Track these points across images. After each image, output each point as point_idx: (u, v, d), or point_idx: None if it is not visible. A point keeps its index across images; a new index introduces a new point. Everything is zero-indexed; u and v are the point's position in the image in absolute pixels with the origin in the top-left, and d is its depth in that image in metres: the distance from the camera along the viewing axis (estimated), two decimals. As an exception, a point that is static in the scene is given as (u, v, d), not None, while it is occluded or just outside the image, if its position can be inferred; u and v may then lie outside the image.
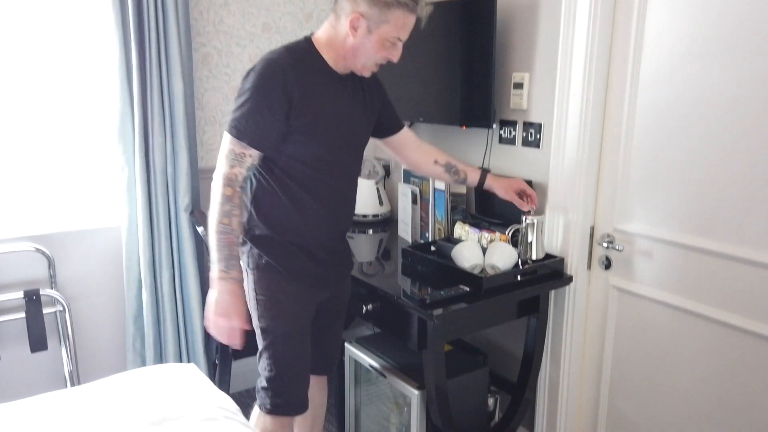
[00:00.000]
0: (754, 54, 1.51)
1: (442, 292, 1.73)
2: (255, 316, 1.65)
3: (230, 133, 1.50)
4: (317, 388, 1.94)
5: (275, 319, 1.63)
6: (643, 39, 1.76)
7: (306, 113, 1.53)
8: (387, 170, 2.85)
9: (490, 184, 1.92)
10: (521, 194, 1.92)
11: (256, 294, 1.64)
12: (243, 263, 1.67)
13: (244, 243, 1.65)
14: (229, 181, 1.50)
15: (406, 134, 1.88)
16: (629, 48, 1.79)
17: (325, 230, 1.67)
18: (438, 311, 1.64)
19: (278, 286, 1.62)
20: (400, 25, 1.52)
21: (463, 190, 2.32)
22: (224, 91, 2.52)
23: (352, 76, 1.63)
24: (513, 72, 2.11)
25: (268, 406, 1.67)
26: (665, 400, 1.84)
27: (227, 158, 1.51)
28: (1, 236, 2.11)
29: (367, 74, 1.62)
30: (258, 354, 1.68)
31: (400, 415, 2.20)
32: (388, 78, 2.49)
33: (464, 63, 2.18)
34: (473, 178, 1.93)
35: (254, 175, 1.62)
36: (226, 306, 1.54)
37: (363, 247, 2.49)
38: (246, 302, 1.61)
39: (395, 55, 1.57)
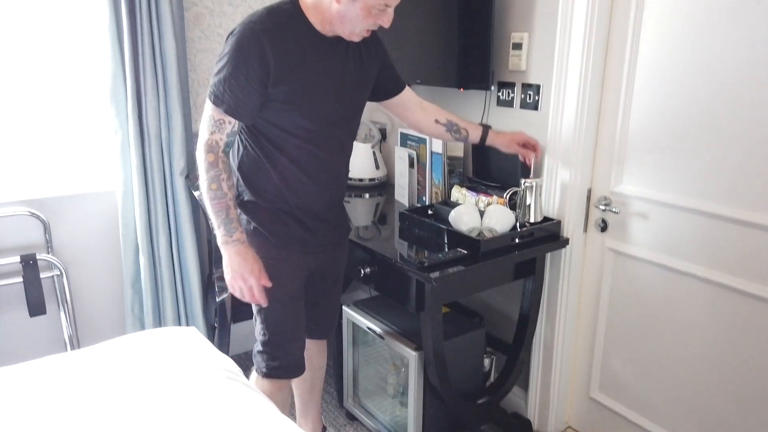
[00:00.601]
0: (757, 18, 1.49)
1: (440, 255, 1.74)
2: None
3: (209, 98, 1.47)
4: (316, 352, 1.96)
5: (268, 287, 1.61)
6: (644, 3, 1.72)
7: (286, 81, 1.46)
8: (383, 134, 2.82)
9: (492, 140, 1.91)
10: (525, 145, 1.92)
11: None
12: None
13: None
14: (210, 148, 1.48)
15: (407, 95, 1.83)
16: (631, 6, 1.76)
17: (315, 201, 1.64)
18: (436, 274, 1.65)
19: (267, 252, 1.61)
20: None
21: (460, 153, 2.31)
22: (217, 52, 2.46)
23: (340, 37, 1.53)
24: (512, 32, 2.07)
25: (264, 370, 1.70)
26: (658, 359, 1.88)
27: (207, 124, 1.49)
28: (-5, 201, 2.10)
29: (356, 39, 1.53)
30: (254, 319, 1.70)
31: (398, 375, 2.24)
32: (385, 38, 2.45)
33: (462, 23, 2.14)
34: (475, 135, 1.91)
35: (240, 141, 1.59)
36: (238, 267, 1.54)
37: (359, 211, 2.48)
38: (258, 258, 1.58)
39: (386, 21, 1.49)
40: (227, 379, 1.33)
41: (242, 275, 1.54)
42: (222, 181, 1.50)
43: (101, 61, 2.07)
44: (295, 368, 1.73)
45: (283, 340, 1.69)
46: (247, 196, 1.61)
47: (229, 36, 1.47)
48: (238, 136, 1.59)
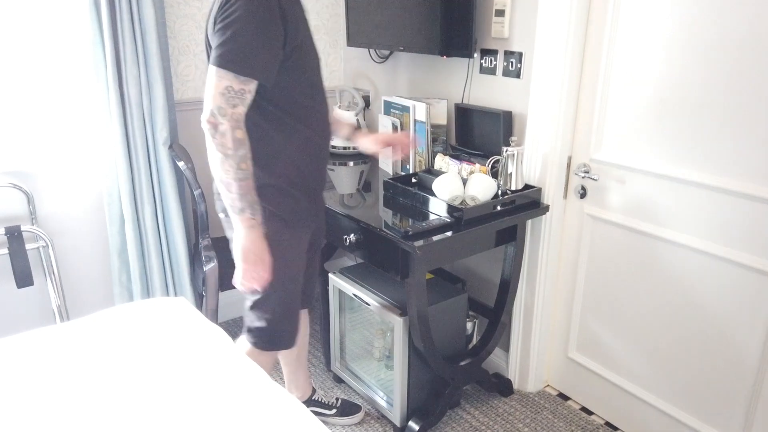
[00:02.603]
0: (737, -18, 1.50)
1: (423, 224, 1.78)
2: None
3: (225, 67, 1.34)
4: (303, 321, 2.01)
5: (279, 267, 1.59)
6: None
7: (297, 37, 1.43)
8: (367, 101, 2.81)
9: (355, 139, 1.91)
10: (392, 144, 1.92)
11: None
12: (231, 214, 1.63)
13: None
14: (236, 123, 1.37)
15: None
16: (613, -26, 1.77)
17: (316, 163, 1.63)
18: (420, 242, 1.69)
19: (282, 235, 1.59)
20: None
21: (443, 121, 2.32)
22: (197, 18, 2.42)
23: None
24: (495, -1, 2.06)
25: (266, 344, 1.70)
26: (632, 320, 1.96)
27: (226, 97, 1.35)
28: (-25, 173, 2.08)
29: None
30: (254, 301, 1.66)
31: (384, 339, 2.31)
32: (371, 6, 2.43)
33: (445, -11, 2.13)
34: (344, 133, 1.90)
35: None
36: (262, 252, 1.49)
37: (344, 179, 2.50)
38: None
39: None
40: (218, 350, 1.37)
41: (264, 260, 1.51)
42: (248, 160, 1.41)
43: (80, 29, 2.03)
44: (294, 341, 1.76)
45: (288, 316, 1.71)
46: (258, 180, 1.50)
47: (231, 5, 1.35)
48: None
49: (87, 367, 1.29)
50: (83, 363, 1.30)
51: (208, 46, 1.46)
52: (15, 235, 2.11)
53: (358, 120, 2.69)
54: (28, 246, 2.15)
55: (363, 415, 2.18)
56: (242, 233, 1.47)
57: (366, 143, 1.91)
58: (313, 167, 1.62)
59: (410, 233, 1.72)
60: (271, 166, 1.53)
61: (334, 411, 2.13)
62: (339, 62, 2.93)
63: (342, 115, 1.85)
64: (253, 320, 1.70)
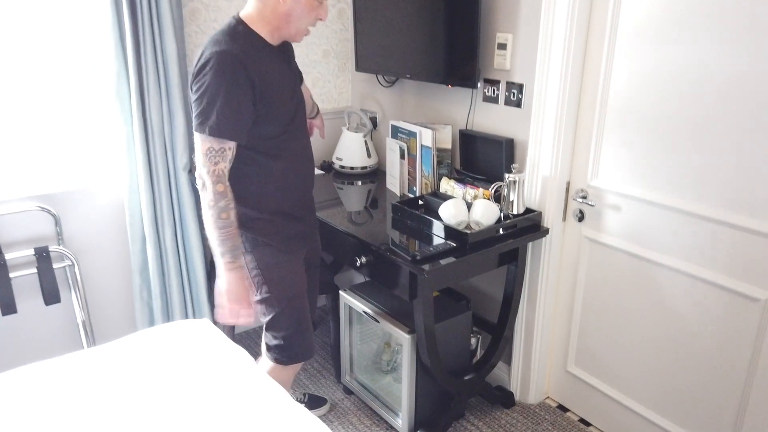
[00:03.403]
0: (729, 24, 1.62)
1: (431, 248, 1.89)
2: (262, 289, 1.78)
3: (204, 132, 1.52)
4: None
5: (282, 289, 1.78)
6: (620, 3, 1.84)
7: (267, 93, 1.59)
8: (374, 123, 2.94)
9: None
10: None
11: (260, 271, 1.76)
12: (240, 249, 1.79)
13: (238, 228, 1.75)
14: (218, 178, 1.56)
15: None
16: (608, 12, 1.88)
17: (304, 190, 1.81)
18: (428, 266, 1.81)
19: (277, 260, 1.76)
20: None
21: (448, 145, 2.44)
22: (213, 47, 2.54)
23: (282, 44, 1.70)
24: (497, 32, 2.18)
25: (287, 359, 1.85)
26: (628, 337, 2.07)
27: (208, 156, 1.54)
28: (7, 197, 2.19)
29: (299, 40, 1.70)
30: (268, 321, 1.82)
31: (391, 353, 2.43)
32: (379, 35, 2.55)
33: (450, 23, 2.24)
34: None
35: None
36: (241, 293, 1.67)
37: (352, 198, 2.62)
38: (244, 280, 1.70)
39: (323, 14, 1.67)
40: (242, 370, 1.49)
41: (242, 299, 1.68)
42: (231, 210, 1.60)
43: (105, 60, 2.15)
44: (312, 351, 1.92)
45: (302, 331, 1.86)
46: (246, 216, 1.69)
47: (203, 68, 1.52)
48: None
49: (121, 391, 1.40)
50: (117, 386, 1.42)
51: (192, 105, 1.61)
52: (43, 255, 2.23)
53: (366, 141, 2.81)
54: (55, 265, 2.27)
55: (328, 408, 2.38)
56: (223, 276, 1.65)
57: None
58: (295, 196, 1.78)
59: (418, 257, 1.84)
60: (256, 203, 1.70)
61: (303, 405, 2.25)
62: (347, 84, 3.05)
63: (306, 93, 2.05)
64: (270, 339, 1.85)
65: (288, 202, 1.76)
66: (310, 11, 1.63)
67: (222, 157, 1.56)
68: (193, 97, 1.57)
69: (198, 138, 1.56)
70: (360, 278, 3.06)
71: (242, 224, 1.69)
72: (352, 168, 2.82)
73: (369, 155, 2.85)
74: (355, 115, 2.95)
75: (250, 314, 1.73)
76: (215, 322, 1.85)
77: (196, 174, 1.60)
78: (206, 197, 1.59)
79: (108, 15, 2.08)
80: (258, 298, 1.79)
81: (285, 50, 1.74)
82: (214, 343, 1.61)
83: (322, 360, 2.74)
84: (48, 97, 2.22)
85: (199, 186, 1.61)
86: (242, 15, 1.64)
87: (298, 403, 1.38)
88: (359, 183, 2.77)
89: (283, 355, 1.85)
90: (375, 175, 2.85)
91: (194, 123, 1.56)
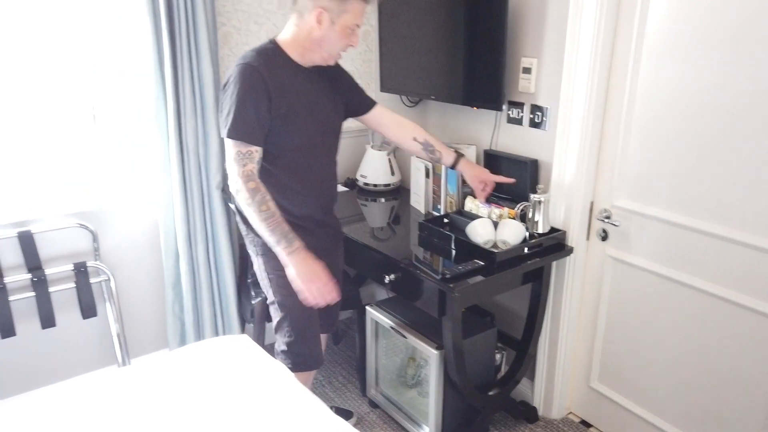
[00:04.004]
0: (750, 47, 1.67)
1: (460, 267, 1.95)
2: (270, 292, 1.90)
3: (230, 137, 1.67)
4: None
5: (287, 294, 1.85)
6: (645, 28, 1.89)
7: (283, 105, 1.71)
8: (397, 141, 3.00)
9: (462, 168, 2.16)
10: (484, 182, 2.17)
11: (267, 274, 1.87)
12: (251, 248, 1.90)
13: (248, 233, 1.87)
14: (248, 178, 1.68)
15: (381, 112, 2.08)
16: (632, 37, 1.93)
17: (313, 206, 1.89)
18: (457, 285, 1.86)
19: (282, 266, 1.81)
20: (358, 13, 1.72)
21: (472, 165, 2.50)
22: (244, 68, 2.63)
23: (316, 68, 1.82)
24: (522, 57, 2.25)
25: (291, 366, 1.92)
26: (651, 354, 2.11)
27: (236, 160, 1.68)
28: (49, 214, 2.28)
29: (332, 63, 1.82)
30: (275, 324, 1.93)
31: (415, 368, 2.48)
32: (404, 57, 2.62)
33: (476, 47, 2.31)
34: (448, 159, 2.15)
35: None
36: (310, 271, 1.74)
37: (376, 214, 2.69)
38: (317, 259, 1.78)
39: (355, 41, 1.77)
40: (282, 384, 1.55)
41: (315, 276, 1.75)
42: (269, 202, 1.71)
43: (145, 84, 2.24)
44: (318, 360, 1.99)
45: (306, 338, 1.93)
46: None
47: (228, 81, 1.69)
48: None
49: (169, 404, 1.47)
50: (165, 400, 1.48)
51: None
52: (81, 270, 2.32)
53: (389, 159, 2.88)
54: (92, 280, 2.35)
55: (355, 421, 2.41)
56: (287, 261, 1.73)
57: (469, 175, 2.17)
58: (307, 210, 1.87)
59: (448, 276, 1.90)
60: None
61: None
62: (371, 104, 3.13)
63: (444, 145, 2.15)
64: (279, 344, 1.95)
65: (297, 214, 1.84)
66: (343, 38, 1.74)
67: (249, 159, 1.69)
68: (220, 104, 1.71)
69: (227, 143, 1.70)
70: (382, 292, 3.11)
71: (250, 227, 1.81)
72: (375, 185, 2.89)
73: (392, 173, 2.92)
74: (379, 134, 3.01)
75: (332, 290, 1.79)
76: (256, 338, 1.91)
77: (229, 181, 1.71)
78: (242, 197, 1.69)
79: (149, 42, 2.17)
80: (269, 300, 1.91)
81: (321, 74, 1.83)
82: (254, 358, 1.67)
83: (346, 374, 2.79)
84: (89, 119, 2.31)
85: (234, 191, 1.71)
86: (277, 38, 1.77)
87: (338, 416, 1.44)
88: (382, 200, 2.84)
89: (287, 361, 1.92)
90: (398, 192, 2.92)
91: (221, 129, 1.69)
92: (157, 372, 1.60)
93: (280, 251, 1.73)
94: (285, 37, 1.76)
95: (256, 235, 1.82)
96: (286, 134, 1.75)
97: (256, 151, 1.70)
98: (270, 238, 1.72)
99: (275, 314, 1.92)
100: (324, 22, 1.68)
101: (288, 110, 1.72)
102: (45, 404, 1.48)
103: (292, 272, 1.74)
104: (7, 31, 2.09)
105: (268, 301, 1.92)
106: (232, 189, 1.72)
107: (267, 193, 1.71)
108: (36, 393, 1.54)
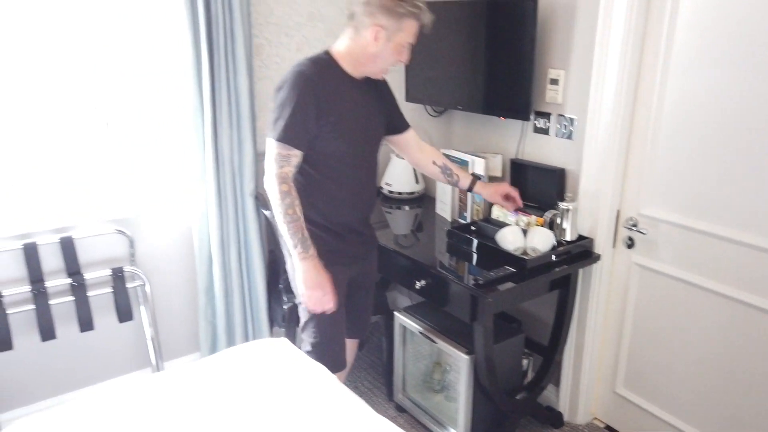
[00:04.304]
0: (774, 70, 1.72)
1: (491, 273, 2.00)
2: (299, 293, 1.93)
3: (274, 138, 1.74)
4: (350, 350, 2.26)
5: None
6: (673, 40, 1.94)
7: (331, 114, 1.78)
8: (421, 149, 3.06)
9: (478, 190, 2.22)
10: (507, 196, 2.21)
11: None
12: (285, 249, 1.96)
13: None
14: (282, 179, 1.75)
15: (411, 135, 2.17)
16: (660, 48, 1.99)
17: (350, 214, 1.95)
18: (490, 291, 1.91)
19: None
20: (412, 32, 1.80)
21: (499, 173, 2.55)
22: (274, 79, 2.69)
23: (366, 80, 1.90)
24: (549, 68, 2.30)
25: None
26: (677, 360, 2.14)
27: (276, 161, 1.75)
28: (89, 221, 2.35)
29: (382, 77, 1.92)
30: (302, 324, 2.00)
31: (442, 373, 2.52)
32: (430, 68, 2.68)
33: (504, 58, 2.36)
34: (464, 182, 2.21)
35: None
36: (316, 279, 1.82)
37: (400, 221, 2.74)
38: (325, 270, 1.85)
39: (406, 58, 1.86)
40: (324, 385, 1.60)
41: (319, 285, 1.82)
42: (296, 207, 1.78)
43: (184, 95, 2.31)
44: (341, 364, 2.05)
45: (331, 341, 2.00)
46: None
47: (282, 85, 1.77)
48: None
49: (217, 404, 1.52)
50: (213, 400, 1.53)
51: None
52: (119, 275, 2.38)
53: (414, 168, 2.93)
54: (128, 285, 2.41)
55: None
56: (298, 266, 1.81)
57: (487, 194, 2.22)
58: (341, 217, 1.93)
59: (480, 282, 1.95)
60: (305, 212, 1.85)
61: None
62: (395, 113, 3.19)
63: (461, 169, 2.23)
64: (305, 344, 2.01)
65: (333, 220, 1.91)
66: (396, 55, 1.82)
67: (287, 162, 1.76)
68: (273, 106, 1.78)
69: (269, 143, 1.77)
70: (404, 299, 3.16)
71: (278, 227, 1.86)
72: (400, 193, 2.95)
73: (417, 181, 2.97)
74: (402, 155, 3.06)
75: (331, 300, 1.86)
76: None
77: (265, 177, 1.79)
78: (274, 197, 1.77)
79: (188, 55, 2.24)
80: (297, 300, 1.96)
81: (370, 86, 1.91)
82: (295, 360, 1.72)
83: (372, 378, 2.84)
84: (129, 130, 2.39)
85: (267, 188, 1.78)
86: (331, 49, 1.84)
87: (381, 416, 1.49)
88: (407, 208, 2.89)
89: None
90: (422, 200, 2.97)
91: (268, 131, 1.77)
92: (204, 374, 1.65)
93: (295, 254, 1.80)
94: (339, 48, 1.83)
95: None
96: (333, 141, 1.82)
97: (296, 156, 1.77)
98: (289, 240, 1.79)
99: (303, 314, 1.98)
100: (380, 39, 1.76)
101: (337, 119, 1.79)
102: (104, 405, 1.53)
103: (300, 276, 1.82)
104: (56, 43, 2.17)
105: (297, 301, 1.98)
106: (265, 186, 1.79)
107: (296, 198, 1.78)
108: (85, 393, 1.60)
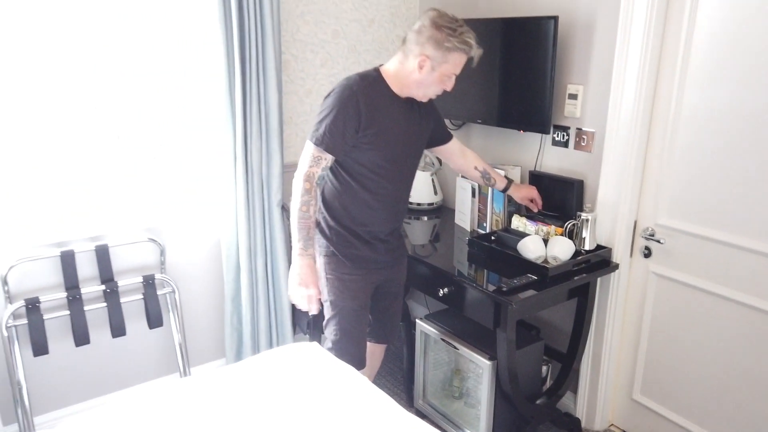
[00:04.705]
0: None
1: (515, 281, 2.06)
2: (325, 291, 2.05)
3: (311, 141, 1.86)
4: (377, 354, 2.34)
5: (340, 295, 2.03)
6: (690, 55, 2.02)
7: (372, 127, 1.88)
8: (440, 161, 3.14)
9: (512, 191, 2.41)
10: (532, 200, 2.44)
11: (326, 274, 2.04)
12: (317, 249, 2.06)
13: (316, 234, 2.02)
14: (307, 177, 1.86)
15: (453, 144, 2.30)
16: (677, 63, 2.07)
17: (381, 224, 2.05)
18: (515, 297, 1.98)
19: (342, 269, 2.02)
20: (458, 64, 1.90)
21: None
22: (299, 93, 2.79)
23: (411, 99, 1.99)
24: (568, 84, 2.39)
25: None
26: (694, 367, 2.20)
27: (307, 160, 1.86)
28: (122, 229, 2.43)
29: (425, 100, 2.01)
30: (325, 322, 2.09)
31: (460, 379, 2.57)
32: (455, 83, 2.76)
33: (524, 74, 2.45)
34: (500, 185, 2.41)
35: (325, 178, 1.97)
36: (305, 277, 1.92)
37: (418, 231, 2.82)
38: (317, 275, 1.97)
39: (449, 87, 1.96)
40: (358, 385, 1.66)
41: (306, 283, 1.93)
42: (311, 206, 1.89)
43: (216, 109, 2.40)
44: (359, 363, 2.11)
45: (351, 340, 2.08)
46: (326, 224, 2.01)
47: (330, 93, 1.88)
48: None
49: (256, 405, 1.58)
50: (251, 401, 1.60)
51: None
52: (150, 283, 2.45)
53: (432, 179, 3.01)
54: (158, 292, 2.48)
55: None
56: (295, 260, 1.92)
57: (519, 196, 2.44)
58: (372, 225, 2.03)
59: (504, 289, 2.01)
60: (338, 217, 1.99)
61: None
62: (413, 126, 3.28)
63: (497, 172, 2.43)
64: (326, 341, 2.10)
65: (364, 228, 2.01)
66: (440, 84, 1.92)
67: (317, 163, 1.87)
68: (317, 112, 1.91)
69: (307, 145, 1.88)
70: (420, 308, 3.22)
71: (321, 230, 2.01)
72: (419, 204, 3.02)
73: (435, 192, 3.05)
74: (447, 162, 3.14)
75: (313, 299, 1.96)
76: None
77: (295, 173, 1.89)
78: (296, 191, 1.88)
79: (221, 70, 2.34)
80: (323, 298, 2.06)
81: (413, 105, 2.00)
82: (326, 363, 1.78)
83: (391, 385, 2.89)
84: (162, 145, 2.48)
85: (294, 184, 1.89)
86: (382, 68, 1.95)
87: (413, 415, 1.55)
88: (425, 218, 2.97)
89: None
90: (440, 211, 3.04)
91: (309, 133, 1.88)
92: (242, 378, 1.72)
93: (295, 248, 1.91)
94: (388, 68, 1.93)
95: (324, 237, 2.00)
96: (370, 152, 1.91)
97: (327, 160, 1.87)
98: (295, 234, 1.90)
99: (327, 312, 2.07)
100: (425, 69, 1.85)
101: (377, 132, 1.88)
102: (145, 407, 1.60)
103: (293, 270, 1.93)
104: (97, 59, 2.27)
105: (322, 299, 2.07)
106: (293, 181, 1.90)
107: (314, 199, 1.89)
108: (115, 397, 1.65)
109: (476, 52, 1.89)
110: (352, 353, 2.07)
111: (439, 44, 1.82)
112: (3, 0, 2.05)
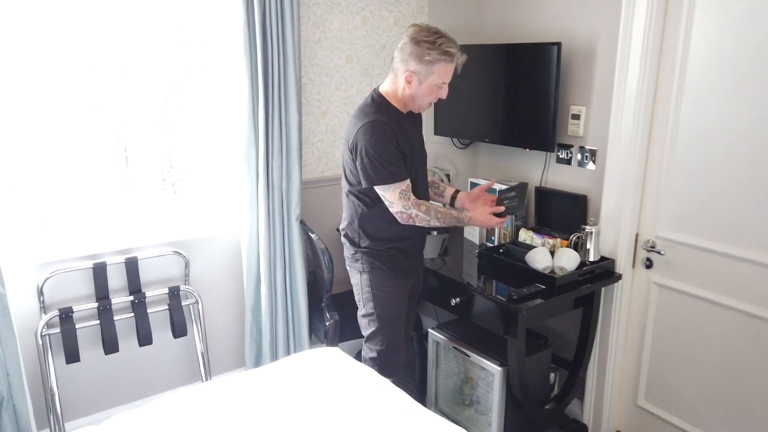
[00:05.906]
0: (776, 107, 1.94)
1: (524, 290, 2.19)
2: (370, 305, 2.15)
3: (389, 182, 1.98)
4: None
5: (386, 306, 2.15)
6: (685, 75, 2.16)
7: (404, 147, 2.03)
8: (448, 177, 3.28)
9: (460, 199, 2.40)
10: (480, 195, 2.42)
11: (371, 289, 2.15)
12: (357, 267, 2.17)
13: (356, 252, 2.15)
14: (417, 204, 2.03)
15: None
16: (673, 83, 2.20)
17: (415, 235, 2.19)
18: (525, 305, 2.10)
19: (386, 282, 2.14)
20: (443, 73, 2.02)
21: (524, 201, 2.76)
22: (315, 114, 2.94)
23: (410, 112, 2.13)
24: (571, 105, 2.53)
25: (378, 371, 2.13)
26: (697, 374, 2.31)
27: (402, 196, 2.00)
28: (149, 243, 2.56)
29: (423, 111, 2.16)
30: (368, 334, 2.19)
31: (471, 387, 2.68)
32: (459, 104, 2.92)
33: (529, 96, 2.60)
34: (448, 195, 2.44)
35: (359, 202, 2.10)
36: (485, 216, 2.18)
37: (428, 246, 2.92)
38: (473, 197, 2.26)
39: (443, 95, 2.09)
40: (379, 387, 1.77)
41: (489, 217, 2.17)
42: (438, 208, 2.08)
43: (239, 129, 2.55)
44: (401, 369, 2.24)
45: (397, 348, 2.20)
46: (365, 243, 2.13)
47: (360, 142, 1.96)
48: (356, 199, 2.11)
49: (283, 407, 1.69)
50: (277, 404, 1.70)
51: (349, 163, 2.07)
52: (175, 294, 2.57)
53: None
54: (183, 303, 2.60)
55: None
56: (474, 222, 2.19)
57: (466, 201, 2.40)
58: (411, 238, 2.17)
59: (515, 297, 2.14)
60: (380, 236, 2.12)
61: None
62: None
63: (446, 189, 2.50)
64: (368, 352, 2.21)
65: (405, 242, 2.15)
66: (431, 94, 2.06)
67: (408, 191, 2.03)
68: (356, 160, 2.00)
69: (385, 189, 2.00)
70: (431, 319, 3.33)
71: (364, 250, 2.12)
72: (429, 219, 3.15)
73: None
74: (431, 171, 3.29)
75: (496, 220, 2.19)
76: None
77: (400, 218, 2.03)
78: (422, 219, 2.04)
79: (244, 93, 2.49)
80: (363, 312, 2.17)
81: (413, 119, 2.16)
82: (347, 366, 1.90)
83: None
84: (187, 159, 2.62)
85: (408, 219, 2.03)
86: (381, 90, 2.08)
87: (435, 414, 1.66)
88: (434, 233, 3.08)
89: (375, 367, 2.16)
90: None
91: (376, 181, 1.98)
92: (264, 379, 1.83)
93: (464, 222, 2.16)
94: (386, 89, 2.07)
95: (367, 255, 2.12)
96: (408, 173, 2.05)
97: (408, 185, 2.02)
98: (458, 223, 2.15)
99: (370, 325, 2.18)
100: (413, 83, 1.99)
101: (407, 152, 2.03)
102: (180, 410, 1.71)
103: (477, 223, 2.20)
104: (132, 74, 2.43)
105: (361, 314, 2.19)
106: (405, 219, 2.03)
107: (431, 203, 2.07)
108: (141, 404, 1.75)
109: (460, 58, 2.00)
110: (396, 361, 2.21)
111: (421, 58, 1.94)
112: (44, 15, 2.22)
